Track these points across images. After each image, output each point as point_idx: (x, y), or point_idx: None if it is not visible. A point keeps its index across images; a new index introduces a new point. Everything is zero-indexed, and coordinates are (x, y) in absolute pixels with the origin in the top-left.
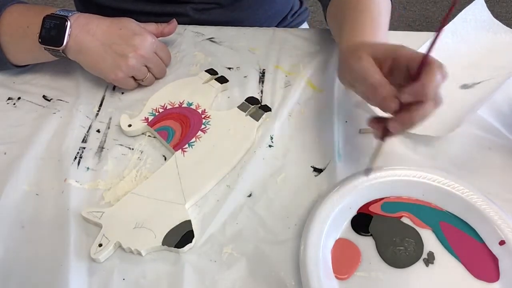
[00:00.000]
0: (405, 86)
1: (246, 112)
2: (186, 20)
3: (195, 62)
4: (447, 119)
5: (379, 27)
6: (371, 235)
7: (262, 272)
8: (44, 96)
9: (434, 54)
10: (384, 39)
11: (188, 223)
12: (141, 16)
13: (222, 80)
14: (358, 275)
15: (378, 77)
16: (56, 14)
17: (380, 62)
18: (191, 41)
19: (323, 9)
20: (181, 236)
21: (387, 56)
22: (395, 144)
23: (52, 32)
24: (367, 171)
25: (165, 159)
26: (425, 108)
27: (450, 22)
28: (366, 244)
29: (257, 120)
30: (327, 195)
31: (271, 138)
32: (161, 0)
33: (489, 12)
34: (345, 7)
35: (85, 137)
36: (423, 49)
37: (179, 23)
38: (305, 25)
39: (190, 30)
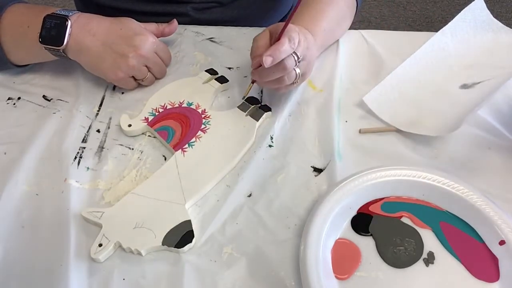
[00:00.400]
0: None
1: (246, 112)
2: (186, 19)
3: (195, 62)
4: (447, 119)
5: (319, 17)
6: (371, 235)
7: (262, 272)
8: (44, 96)
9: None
10: (320, 27)
11: (188, 223)
12: (142, 16)
13: (222, 80)
14: (358, 275)
15: (258, 42)
16: (56, 13)
17: (272, 35)
18: (191, 41)
19: None
20: (181, 236)
21: (274, 29)
22: (395, 144)
23: (52, 32)
24: (243, 98)
25: (165, 159)
26: (269, 68)
27: (450, 23)
28: (366, 244)
29: (257, 120)
30: (327, 195)
31: (271, 138)
32: (162, 0)
33: (489, 12)
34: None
35: (85, 137)
36: (426, 46)
37: (179, 23)
38: None
39: (190, 30)
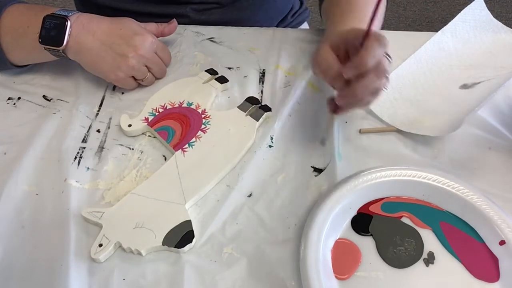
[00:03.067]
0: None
1: (246, 112)
2: (186, 21)
3: (195, 62)
4: (447, 119)
5: (362, 17)
6: (371, 235)
7: (262, 272)
8: (44, 96)
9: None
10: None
11: (188, 223)
12: (141, 17)
13: (222, 80)
14: (358, 275)
15: (327, 61)
16: (56, 14)
17: (337, 48)
18: (191, 41)
19: (319, 7)
20: (181, 236)
21: (341, 40)
22: (395, 144)
23: (52, 32)
24: (322, 140)
25: (165, 159)
26: (365, 80)
27: (450, 23)
28: (366, 244)
29: (257, 120)
30: (327, 195)
31: (271, 138)
32: (161, 1)
33: (488, 12)
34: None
35: (85, 137)
36: (426, 46)
37: (179, 24)
38: (305, 25)
39: (190, 30)
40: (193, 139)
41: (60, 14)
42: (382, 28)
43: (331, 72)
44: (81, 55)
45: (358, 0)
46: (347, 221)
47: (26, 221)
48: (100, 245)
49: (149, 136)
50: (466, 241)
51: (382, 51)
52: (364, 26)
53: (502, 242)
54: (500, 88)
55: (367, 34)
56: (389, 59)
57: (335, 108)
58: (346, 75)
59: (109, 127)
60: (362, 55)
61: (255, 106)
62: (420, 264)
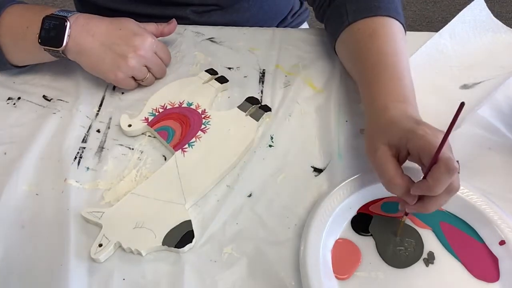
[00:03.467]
0: (417, 182)
1: (246, 112)
2: (186, 23)
3: (195, 62)
4: (447, 119)
5: (404, 85)
6: (371, 235)
7: (262, 272)
8: (44, 96)
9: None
10: (411, 92)
11: (188, 223)
12: (141, 19)
13: (222, 80)
14: (358, 275)
15: (390, 174)
16: (55, 14)
17: (397, 148)
18: (191, 41)
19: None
20: (181, 236)
21: (401, 144)
22: None
23: (51, 33)
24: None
25: (165, 159)
26: (437, 200)
27: (450, 23)
28: (366, 244)
29: (257, 120)
30: (327, 195)
31: (271, 138)
32: (161, 3)
33: (489, 12)
34: (359, 45)
35: (85, 137)
36: (423, 49)
37: (179, 25)
38: (305, 25)
39: (190, 30)
40: (193, 139)
41: (60, 15)
42: None
43: (396, 189)
44: (81, 55)
45: (384, 43)
46: (347, 221)
47: (26, 221)
48: (100, 245)
49: (149, 136)
50: (466, 241)
51: (450, 180)
52: (402, 92)
53: (502, 242)
54: (500, 88)
55: (436, 158)
56: (459, 167)
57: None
58: (414, 193)
59: (109, 127)
60: (430, 186)
61: (255, 106)
62: (420, 264)
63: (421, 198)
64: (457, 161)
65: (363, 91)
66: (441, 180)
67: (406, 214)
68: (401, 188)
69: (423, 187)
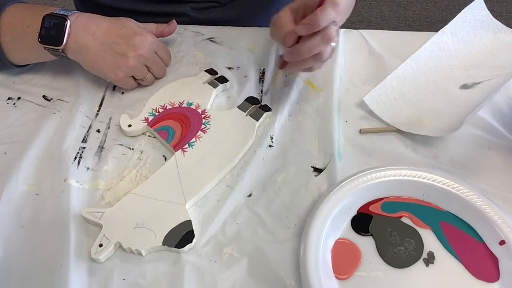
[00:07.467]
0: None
1: (246, 112)
2: (185, 19)
3: (195, 62)
4: (447, 119)
5: None
6: (371, 235)
7: (262, 272)
8: (44, 96)
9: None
10: None
11: (188, 223)
12: (141, 16)
13: (222, 80)
14: (358, 275)
15: (282, 20)
16: (55, 13)
17: (296, 12)
18: (191, 41)
19: None
20: (182, 236)
21: (300, 4)
22: (395, 144)
23: (51, 32)
24: (265, 92)
25: (165, 159)
26: (311, 41)
27: (450, 23)
28: (366, 244)
29: (257, 120)
30: (327, 195)
31: (271, 138)
32: (161, 0)
33: (488, 12)
34: None
35: (85, 137)
36: (426, 46)
37: (178, 23)
38: None
39: (190, 30)
40: (193, 139)
41: (60, 14)
42: (382, 27)
43: (284, 30)
44: (81, 54)
45: None
46: (347, 221)
47: (26, 221)
48: (100, 245)
49: (149, 136)
50: (466, 241)
51: (334, 14)
52: None
53: (502, 242)
54: (501, 88)
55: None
56: (337, 27)
57: (283, 64)
58: (298, 31)
59: (109, 127)
60: (316, 13)
61: (255, 106)
62: (420, 264)
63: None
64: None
65: None
66: (326, 10)
67: (281, 67)
68: (287, 28)
69: (308, 19)
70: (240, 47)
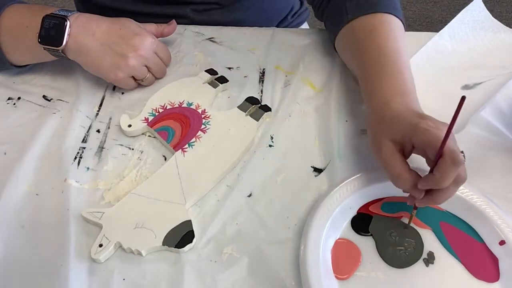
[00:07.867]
0: (424, 176)
1: (246, 112)
2: (186, 21)
3: (195, 62)
4: (448, 120)
5: (404, 78)
6: (371, 235)
7: (262, 272)
8: (44, 96)
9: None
10: (411, 86)
11: (188, 223)
12: (141, 17)
13: (222, 80)
14: (358, 275)
15: (397, 170)
16: (55, 13)
17: (402, 143)
18: (191, 41)
19: (315, 14)
20: (182, 236)
21: (406, 139)
22: None
23: (51, 32)
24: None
25: (165, 159)
26: (446, 192)
27: (449, 23)
28: (366, 244)
29: (257, 120)
30: (327, 195)
31: (271, 138)
32: (161, 2)
33: (488, 12)
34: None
35: (85, 137)
36: (423, 51)
37: (179, 24)
38: (305, 25)
39: (190, 30)
40: (193, 139)
41: (60, 14)
42: None
43: (403, 183)
44: (81, 55)
45: (384, 39)
46: (347, 221)
47: (26, 221)
48: (100, 245)
49: (149, 136)
50: (466, 241)
51: (457, 172)
52: (403, 86)
53: (502, 242)
54: (501, 88)
55: (441, 151)
56: (464, 158)
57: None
58: (421, 188)
59: (109, 127)
60: (437, 179)
61: (255, 106)
62: (420, 264)
63: (429, 191)
64: (462, 152)
65: (364, 88)
66: (448, 173)
67: (416, 208)
68: (408, 182)
69: (430, 181)
70: (240, 47)
